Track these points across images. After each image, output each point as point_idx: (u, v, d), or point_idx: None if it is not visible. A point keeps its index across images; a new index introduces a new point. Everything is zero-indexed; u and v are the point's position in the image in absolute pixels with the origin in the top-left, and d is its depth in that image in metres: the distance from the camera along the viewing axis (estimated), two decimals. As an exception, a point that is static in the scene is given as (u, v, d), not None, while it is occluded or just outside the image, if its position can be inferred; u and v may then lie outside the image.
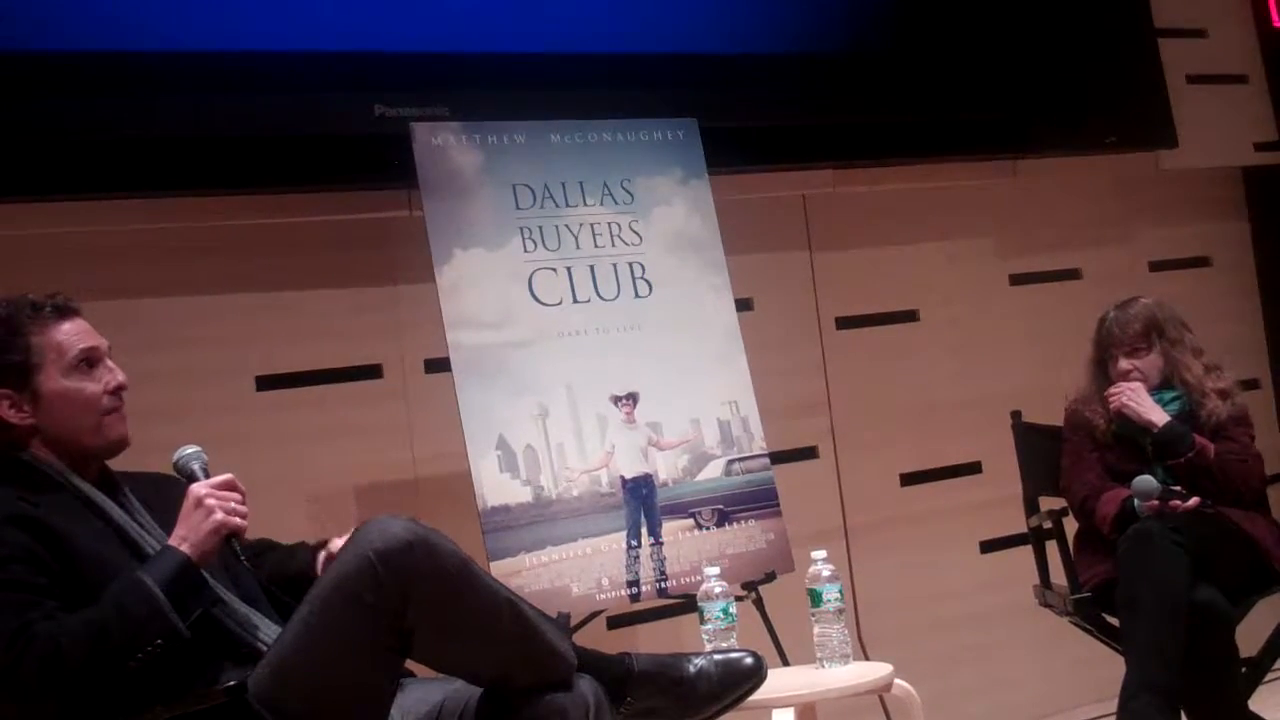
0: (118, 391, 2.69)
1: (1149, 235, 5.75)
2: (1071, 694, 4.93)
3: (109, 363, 2.71)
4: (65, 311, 2.70)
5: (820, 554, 3.36)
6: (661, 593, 3.95)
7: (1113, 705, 3.70)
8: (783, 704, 3.17)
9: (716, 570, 3.35)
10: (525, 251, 4.05)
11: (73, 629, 2.38)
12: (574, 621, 3.75)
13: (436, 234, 3.93)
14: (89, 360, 2.68)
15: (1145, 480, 3.84)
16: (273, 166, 4.09)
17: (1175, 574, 3.65)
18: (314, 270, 4.27)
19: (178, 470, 2.69)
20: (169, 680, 2.44)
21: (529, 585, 3.70)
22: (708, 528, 4.05)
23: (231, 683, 2.44)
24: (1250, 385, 5.55)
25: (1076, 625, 4.03)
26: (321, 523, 4.09)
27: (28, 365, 2.64)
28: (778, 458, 4.40)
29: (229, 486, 2.60)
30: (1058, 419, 4.24)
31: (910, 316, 5.25)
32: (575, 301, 4.08)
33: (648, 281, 4.18)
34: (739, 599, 3.65)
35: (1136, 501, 3.85)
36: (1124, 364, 4.09)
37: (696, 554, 3.98)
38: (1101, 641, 3.96)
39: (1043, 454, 4.27)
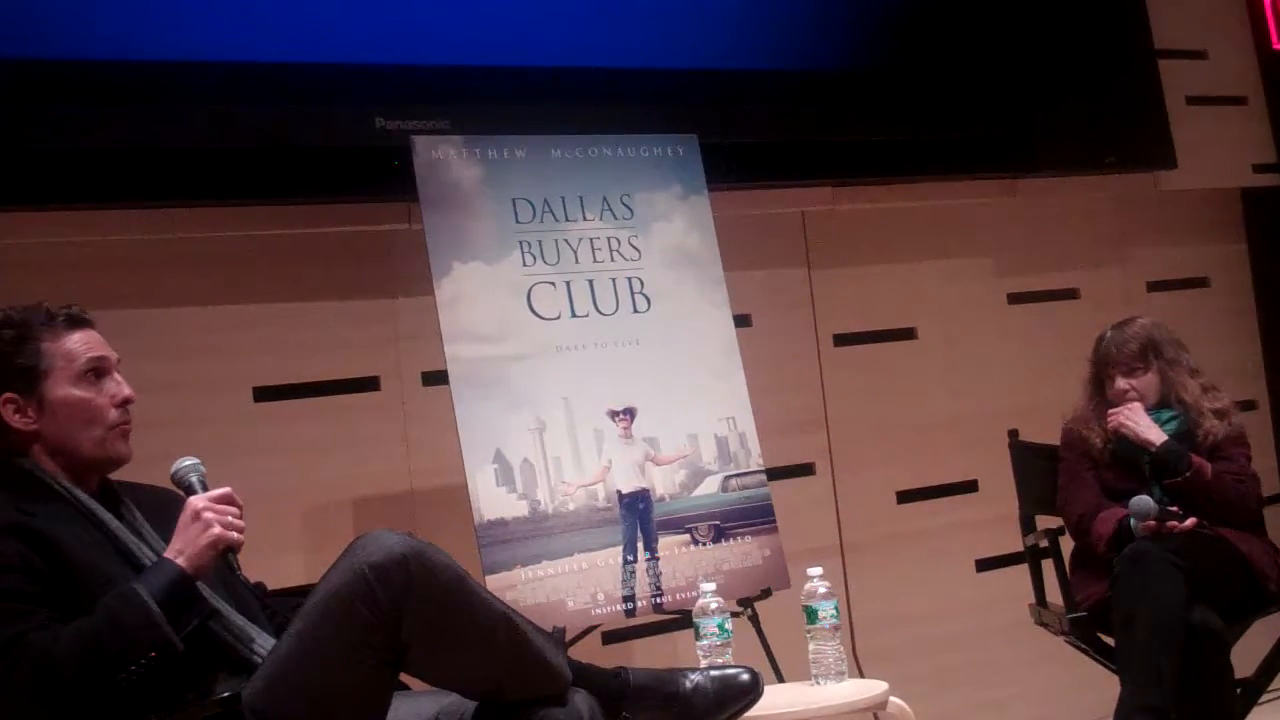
0: (124, 405, 2.69)
1: (1147, 255, 5.76)
2: (1066, 713, 4.92)
3: (117, 375, 2.71)
4: (77, 321, 2.71)
5: (816, 571, 3.37)
6: (657, 608, 3.95)
7: (1107, 725, 3.71)
8: (778, 721, 3.17)
9: (712, 586, 3.35)
10: (524, 265, 4.05)
11: (66, 640, 2.38)
12: (569, 636, 3.74)
13: (436, 247, 3.93)
14: (97, 370, 2.68)
15: (1142, 500, 3.85)
16: (272, 178, 4.09)
17: (1172, 595, 3.65)
18: (313, 282, 4.28)
19: (175, 482, 2.69)
20: (163, 691, 2.44)
21: (524, 599, 3.70)
22: (704, 543, 4.04)
23: (226, 694, 2.44)
24: (1248, 406, 5.56)
25: (1072, 644, 4.03)
26: (317, 535, 4.10)
27: (36, 370, 2.64)
28: (774, 474, 4.40)
29: (227, 500, 2.60)
30: (1054, 438, 4.24)
31: (908, 334, 5.26)
32: (574, 316, 4.08)
33: (646, 297, 4.19)
34: (735, 615, 3.66)
35: (1133, 521, 3.85)
36: (1121, 383, 4.10)
37: (692, 569, 3.97)
38: (1097, 661, 3.96)
39: (1039, 473, 4.28)
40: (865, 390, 5.10)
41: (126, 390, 2.70)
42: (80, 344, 2.69)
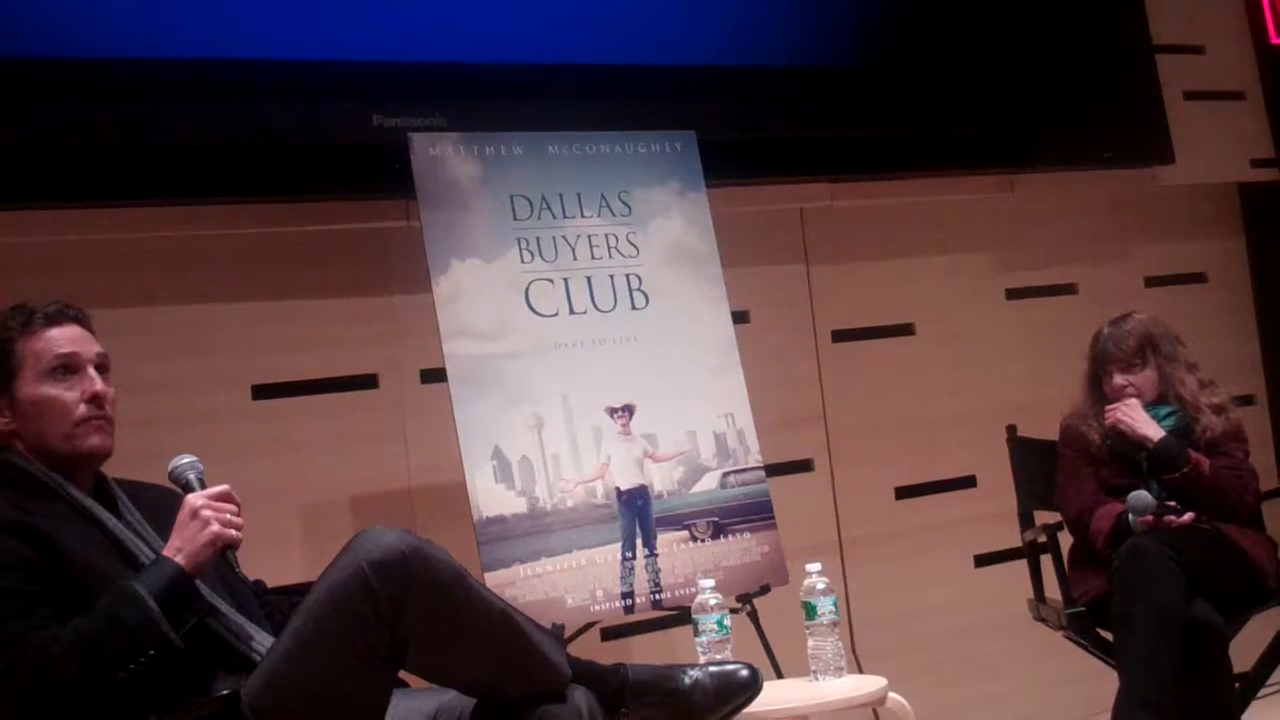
0: (95, 400, 2.66)
1: (1145, 251, 5.76)
2: (1065, 709, 4.92)
3: (90, 371, 2.68)
4: (57, 318, 2.69)
5: (815, 567, 3.37)
6: (656, 604, 3.95)
7: (1106, 720, 3.71)
8: (777, 716, 3.17)
9: (711, 582, 3.35)
10: (522, 262, 4.05)
11: (65, 639, 2.38)
12: (568, 633, 3.75)
13: (434, 244, 3.93)
14: (67, 367, 2.66)
15: (1140, 495, 3.85)
16: (270, 175, 4.09)
17: (1170, 590, 3.66)
18: (311, 280, 4.27)
19: (173, 480, 2.68)
20: (163, 689, 2.44)
21: (523, 596, 3.70)
22: (702, 540, 4.05)
23: (225, 692, 2.44)
24: (1245, 401, 5.57)
25: (1070, 640, 4.03)
26: (316, 533, 4.10)
27: (8, 370, 2.64)
28: (773, 470, 4.40)
29: (225, 498, 2.59)
30: (1053, 433, 4.25)
31: (906, 330, 5.26)
32: (572, 313, 4.08)
33: (645, 293, 4.19)
34: (733, 611, 3.66)
35: (1131, 517, 3.86)
36: (1119, 379, 4.10)
37: (691, 566, 3.98)
38: (1095, 656, 3.96)
39: (1038, 468, 4.28)
40: (863, 386, 5.10)
41: (98, 386, 2.67)
42: (52, 341, 2.67)
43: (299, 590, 2.67)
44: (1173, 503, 3.89)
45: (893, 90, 5.06)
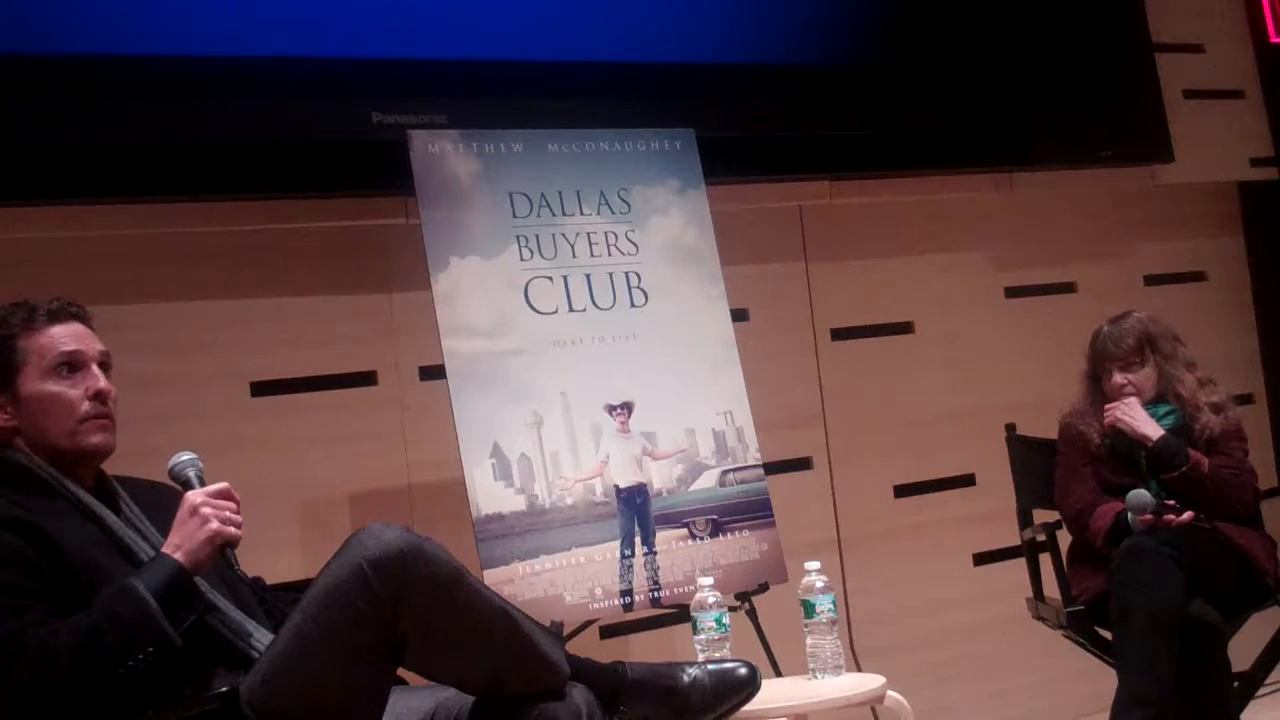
0: (99, 398, 2.66)
1: (1144, 249, 5.76)
2: (1063, 707, 4.92)
3: (94, 369, 2.68)
4: (60, 315, 2.70)
5: (814, 565, 3.37)
6: (655, 602, 3.95)
7: (1105, 719, 3.71)
8: (776, 714, 3.17)
9: (710, 580, 3.35)
10: (521, 260, 4.05)
11: (64, 635, 2.38)
12: (567, 630, 3.74)
13: (433, 241, 3.93)
14: (71, 364, 2.66)
15: (1139, 494, 3.85)
16: (269, 173, 4.09)
17: (1169, 588, 3.66)
18: (310, 277, 4.27)
19: (173, 477, 2.68)
20: (161, 686, 2.44)
21: (522, 594, 3.70)
22: (701, 538, 4.05)
23: (224, 689, 2.44)
24: (1244, 400, 5.57)
25: (1069, 638, 4.03)
26: (315, 530, 4.10)
27: (11, 366, 2.64)
28: (772, 468, 4.40)
29: (224, 495, 2.59)
30: (1052, 432, 4.25)
31: (905, 328, 5.26)
32: (571, 310, 4.08)
33: (644, 291, 4.19)
34: (732, 609, 3.66)
35: (1130, 515, 3.86)
36: (1118, 378, 4.10)
37: (690, 564, 3.98)
38: (1094, 655, 3.96)
39: (1037, 467, 4.28)
40: (863, 384, 5.10)
41: (101, 383, 2.67)
42: (55, 338, 2.67)
43: (298, 587, 2.67)
44: (1172, 501, 3.89)
45: (892, 88, 5.06)
